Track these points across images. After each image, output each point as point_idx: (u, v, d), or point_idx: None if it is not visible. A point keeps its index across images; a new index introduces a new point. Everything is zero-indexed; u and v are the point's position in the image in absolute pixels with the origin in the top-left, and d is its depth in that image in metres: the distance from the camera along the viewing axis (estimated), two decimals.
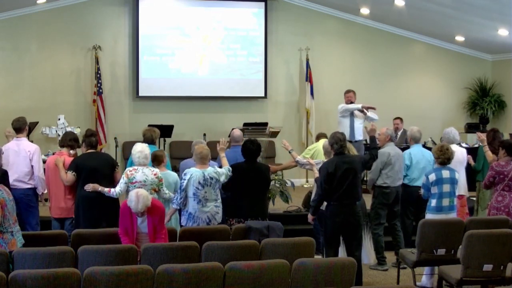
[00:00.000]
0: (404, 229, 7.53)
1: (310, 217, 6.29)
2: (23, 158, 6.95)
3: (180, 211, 6.37)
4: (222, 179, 6.20)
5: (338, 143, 6.08)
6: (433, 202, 6.37)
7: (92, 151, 6.74)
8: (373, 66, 12.53)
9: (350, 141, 8.99)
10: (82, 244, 5.04)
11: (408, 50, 12.77)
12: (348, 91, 9.62)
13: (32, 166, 6.95)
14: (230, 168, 6.32)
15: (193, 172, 6.10)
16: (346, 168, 6.01)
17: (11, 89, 11.15)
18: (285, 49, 12.17)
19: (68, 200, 6.75)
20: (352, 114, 9.40)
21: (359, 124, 9.41)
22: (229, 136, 8.06)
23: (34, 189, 7.00)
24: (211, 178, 6.11)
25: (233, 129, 8.15)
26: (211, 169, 6.17)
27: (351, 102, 9.48)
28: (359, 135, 9.41)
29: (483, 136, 7.64)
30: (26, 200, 6.95)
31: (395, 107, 12.03)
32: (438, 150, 6.42)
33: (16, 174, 6.92)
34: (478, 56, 13.04)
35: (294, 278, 4.58)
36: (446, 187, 6.34)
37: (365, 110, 9.35)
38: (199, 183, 6.06)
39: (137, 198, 5.34)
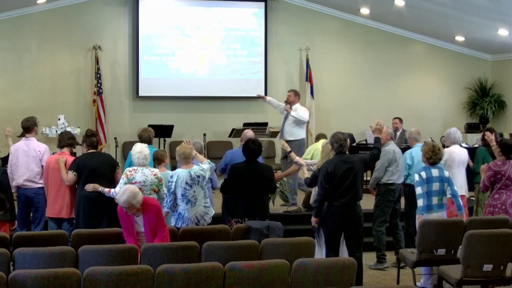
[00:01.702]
0: (406, 230, 7.53)
1: (314, 219, 6.20)
2: (33, 158, 6.98)
3: None
4: (208, 174, 6.22)
5: (338, 142, 6.07)
6: (423, 202, 6.36)
7: (93, 151, 6.74)
8: (373, 66, 12.53)
9: (287, 141, 8.98)
10: (82, 244, 5.03)
11: (408, 50, 12.78)
12: (289, 91, 9.48)
13: (42, 166, 6.97)
14: (209, 161, 6.37)
15: (179, 173, 6.09)
16: (347, 168, 6.01)
17: (11, 89, 11.15)
18: (285, 49, 12.17)
19: (66, 200, 6.72)
20: (286, 115, 9.29)
21: (287, 125, 9.19)
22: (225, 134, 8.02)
23: (44, 188, 7.00)
24: (198, 176, 6.12)
25: (233, 129, 8.13)
26: (196, 167, 6.17)
27: (288, 102, 9.36)
28: (290, 136, 9.05)
29: (492, 135, 7.60)
30: (37, 200, 7.01)
31: (395, 107, 12.06)
32: (430, 150, 6.40)
33: (27, 174, 6.96)
34: (478, 56, 13.05)
35: (294, 278, 4.57)
36: (436, 186, 6.34)
37: (287, 111, 9.22)
38: (187, 183, 6.06)
39: (124, 191, 5.31)
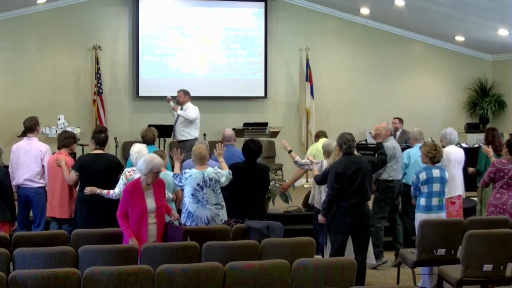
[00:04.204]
0: (404, 229, 7.54)
1: (321, 218, 6.19)
2: (34, 157, 6.96)
3: (179, 210, 6.36)
4: (223, 180, 6.17)
5: (346, 144, 6.07)
6: (422, 201, 6.37)
7: (98, 152, 6.64)
8: (373, 66, 12.53)
9: (179, 141, 8.96)
10: (82, 244, 5.04)
11: (408, 50, 12.77)
12: (178, 91, 9.43)
13: (43, 166, 6.95)
14: (231, 172, 6.31)
15: (193, 173, 6.08)
16: (356, 169, 6.00)
17: (11, 89, 11.15)
18: (285, 49, 12.17)
19: (66, 200, 6.72)
20: (178, 115, 9.28)
21: (178, 124, 9.26)
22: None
23: (44, 188, 7.00)
24: (211, 179, 6.09)
25: (233, 129, 8.11)
26: (210, 170, 6.15)
27: (179, 103, 9.29)
28: (181, 136, 9.23)
29: (489, 149, 7.55)
30: (38, 199, 7.00)
31: (395, 107, 12.06)
32: (433, 149, 6.40)
33: (28, 174, 6.94)
34: (478, 56, 13.04)
35: (294, 278, 4.57)
36: (436, 187, 6.34)
37: (174, 110, 9.25)
38: (198, 184, 6.03)
39: (143, 162, 5.50)
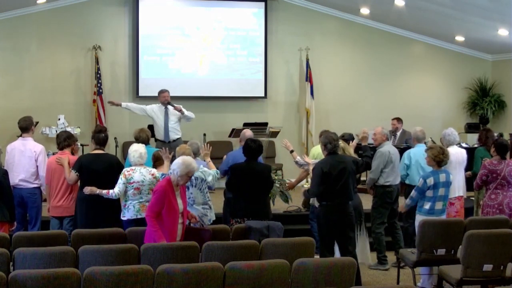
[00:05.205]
0: (406, 230, 7.51)
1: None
2: (29, 158, 6.94)
3: None
4: (210, 179, 6.17)
5: (332, 143, 6.08)
6: (426, 205, 6.31)
7: (99, 152, 6.63)
8: (373, 66, 12.54)
9: (165, 142, 8.92)
10: (82, 244, 5.04)
11: (408, 50, 12.78)
12: (163, 91, 9.34)
13: (37, 166, 6.94)
14: (218, 171, 6.34)
15: None
16: (341, 168, 6.02)
17: (11, 89, 11.16)
18: (285, 49, 12.18)
19: (66, 199, 6.72)
20: (166, 114, 9.23)
21: (173, 124, 9.22)
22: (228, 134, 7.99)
23: (39, 188, 7.00)
24: (197, 179, 6.07)
25: (233, 129, 8.09)
26: None
27: (167, 103, 9.25)
28: (176, 134, 9.19)
29: None
30: (33, 199, 6.99)
31: (395, 107, 12.06)
32: (440, 154, 6.34)
33: (23, 174, 6.93)
34: (478, 56, 13.05)
35: (294, 278, 4.57)
36: (442, 191, 6.32)
37: (179, 111, 9.17)
38: None
39: (179, 166, 5.42)
